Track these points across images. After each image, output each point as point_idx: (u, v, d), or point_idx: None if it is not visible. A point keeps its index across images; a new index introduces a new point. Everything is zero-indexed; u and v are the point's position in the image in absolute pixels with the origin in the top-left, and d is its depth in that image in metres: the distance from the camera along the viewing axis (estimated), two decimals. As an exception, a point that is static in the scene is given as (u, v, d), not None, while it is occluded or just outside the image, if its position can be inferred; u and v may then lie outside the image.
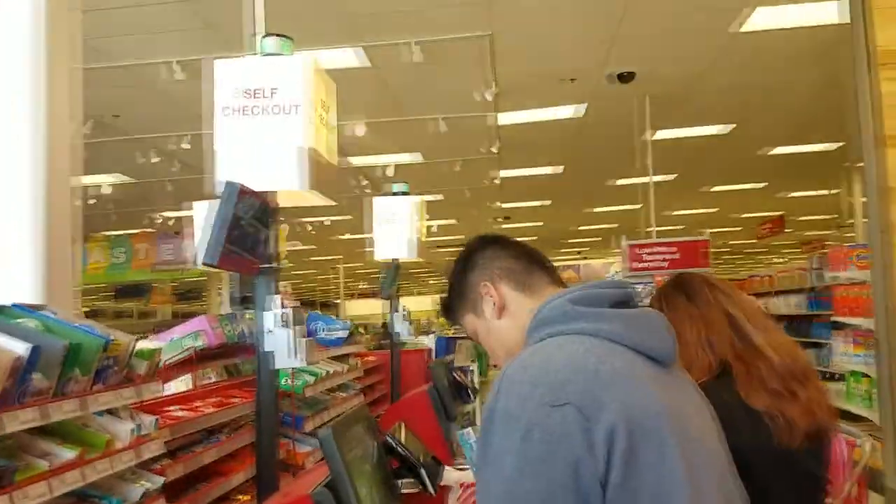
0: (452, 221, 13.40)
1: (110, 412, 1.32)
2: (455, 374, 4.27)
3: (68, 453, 1.12)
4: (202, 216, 3.29)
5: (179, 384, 2.29)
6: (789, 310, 8.58)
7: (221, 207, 1.59)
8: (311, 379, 2.70)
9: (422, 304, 21.19)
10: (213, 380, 2.48)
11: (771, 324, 1.67)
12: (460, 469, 3.22)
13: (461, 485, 3.28)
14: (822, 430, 1.54)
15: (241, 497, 1.99)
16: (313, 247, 16.51)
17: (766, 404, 1.48)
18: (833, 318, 5.79)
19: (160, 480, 1.37)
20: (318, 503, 1.46)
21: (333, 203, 2.13)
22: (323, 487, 1.50)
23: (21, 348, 1.00)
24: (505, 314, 1.15)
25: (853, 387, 5.20)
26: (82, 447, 1.14)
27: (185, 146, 8.20)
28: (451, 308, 1.26)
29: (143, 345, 1.39)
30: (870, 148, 4.77)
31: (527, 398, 0.88)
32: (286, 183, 1.86)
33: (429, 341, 7.57)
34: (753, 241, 17.21)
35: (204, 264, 1.46)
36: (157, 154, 8.69)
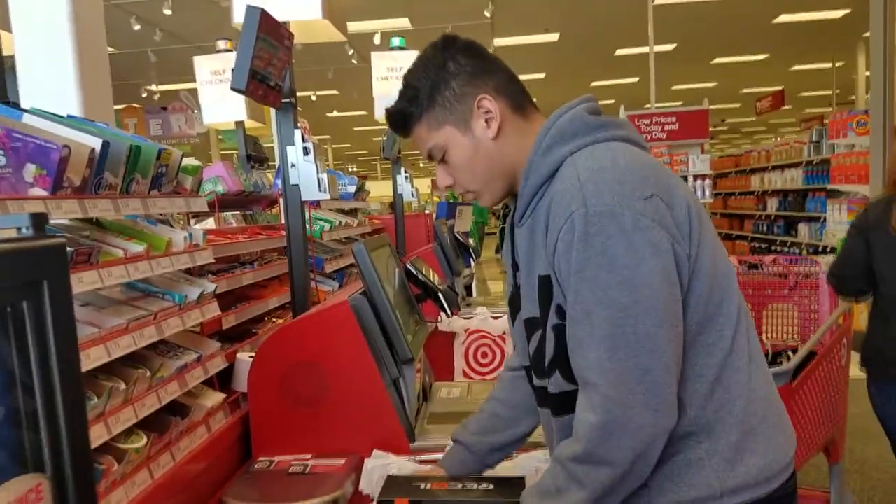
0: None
1: (163, 222, 1.44)
2: (457, 235, 4.44)
3: (137, 247, 1.24)
4: (205, 70, 3.26)
5: (204, 226, 2.41)
6: (785, 184, 8.71)
7: (245, 34, 1.61)
8: (326, 226, 2.83)
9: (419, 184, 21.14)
10: (234, 225, 2.60)
11: None
12: (466, 318, 3.46)
13: (466, 331, 3.55)
14: None
15: (275, 320, 2.17)
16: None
17: None
18: (829, 188, 5.96)
19: (213, 286, 1.52)
20: (356, 307, 1.63)
21: (343, 39, 2.13)
22: (358, 295, 1.67)
23: (94, 142, 1.09)
24: (500, 135, 1.03)
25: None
26: (148, 243, 1.26)
27: (167, 12, 7.82)
28: (411, 116, 1.06)
29: (186, 163, 1.47)
30: (878, 9, 4.68)
31: (622, 194, 0.89)
32: (303, 12, 1.86)
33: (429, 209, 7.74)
34: (752, 118, 17.01)
35: (233, 90, 1.51)
36: (137, 22, 8.30)
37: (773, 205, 9.12)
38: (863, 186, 5.15)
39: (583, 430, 0.91)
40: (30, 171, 1.00)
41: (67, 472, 0.59)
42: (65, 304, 0.56)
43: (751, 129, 21.16)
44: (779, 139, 10.45)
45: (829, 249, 6.26)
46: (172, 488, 1.37)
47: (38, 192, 1.01)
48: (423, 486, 1.20)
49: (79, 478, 0.60)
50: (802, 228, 8.02)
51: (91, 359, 1.08)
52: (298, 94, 2.02)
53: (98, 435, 1.12)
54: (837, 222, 5.58)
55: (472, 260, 4.61)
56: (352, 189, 3.51)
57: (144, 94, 11.45)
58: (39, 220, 0.55)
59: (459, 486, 1.20)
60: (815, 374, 2.04)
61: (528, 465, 1.31)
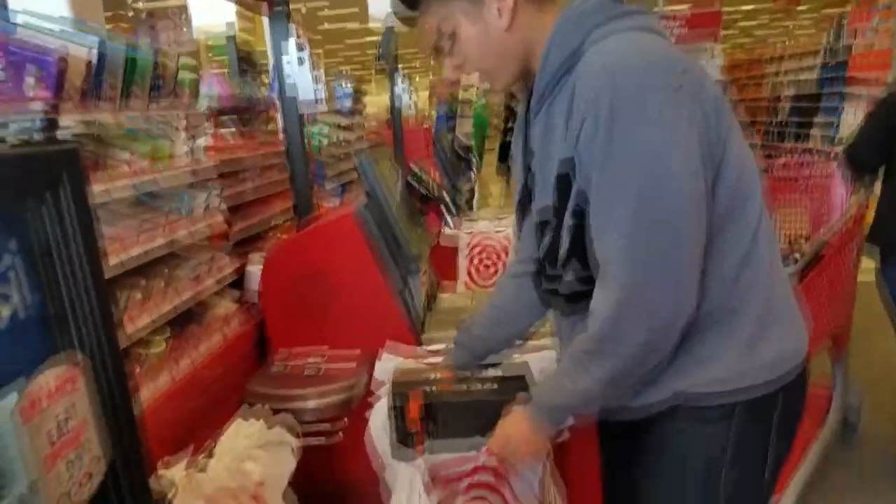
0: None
1: (166, 136, 1.44)
2: (457, 147, 4.42)
3: (141, 156, 1.25)
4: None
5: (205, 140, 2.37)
6: (799, 88, 8.41)
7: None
8: (325, 141, 2.81)
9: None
10: (231, 141, 2.58)
11: None
12: (468, 231, 3.51)
13: (469, 243, 3.60)
14: None
15: (280, 235, 2.21)
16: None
17: None
18: (845, 91, 5.84)
19: (218, 197, 1.54)
20: (360, 218, 1.65)
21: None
22: (362, 207, 1.69)
23: (91, 53, 1.07)
24: (512, 26, 0.98)
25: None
26: (151, 149, 1.27)
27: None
28: (418, 1, 1.01)
29: (182, 75, 1.45)
30: None
31: (649, 82, 0.88)
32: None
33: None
34: (765, 18, 16.24)
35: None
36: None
37: (785, 111, 8.86)
38: (881, 90, 5.03)
39: (598, 322, 0.92)
40: (29, 82, 1.00)
41: (99, 351, 0.63)
42: (83, 199, 0.58)
43: (765, 30, 20.24)
44: (793, 41, 10.01)
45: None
46: (191, 391, 1.45)
47: (38, 105, 1.01)
48: (429, 389, 1.24)
49: (113, 357, 0.65)
50: (815, 133, 7.81)
51: (107, 266, 1.11)
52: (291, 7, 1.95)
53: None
54: (851, 125, 5.47)
55: (472, 172, 4.60)
56: (348, 103, 3.45)
57: (131, 14, 10.97)
58: (51, 123, 0.56)
59: (465, 386, 1.26)
60: (822, 275, 2.08)
61: (534, 365, 1.36)
